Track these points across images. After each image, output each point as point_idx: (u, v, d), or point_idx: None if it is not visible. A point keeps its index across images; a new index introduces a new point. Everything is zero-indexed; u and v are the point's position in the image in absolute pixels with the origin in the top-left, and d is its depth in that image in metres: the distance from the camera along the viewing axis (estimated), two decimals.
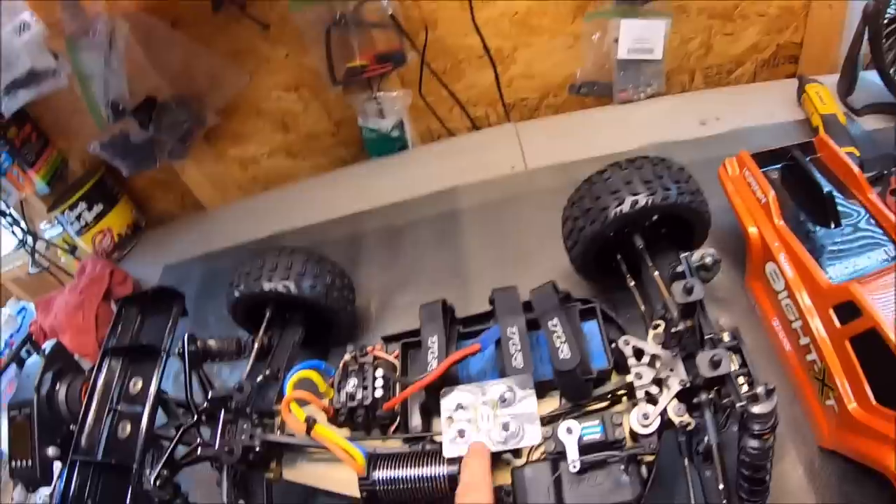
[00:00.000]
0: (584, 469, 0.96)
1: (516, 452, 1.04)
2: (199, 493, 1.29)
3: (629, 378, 1.02)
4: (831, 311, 1.09)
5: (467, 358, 1.11)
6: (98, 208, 2.55)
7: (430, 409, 1.17)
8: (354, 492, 1.15)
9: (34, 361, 1.56)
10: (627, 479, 0.95)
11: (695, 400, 0.97)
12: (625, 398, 1.05)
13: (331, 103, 2.31)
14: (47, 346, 1.60)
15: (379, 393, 1.17)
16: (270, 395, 1.35)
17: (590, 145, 1.89)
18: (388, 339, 1.32)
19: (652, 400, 0.98)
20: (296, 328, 1.52)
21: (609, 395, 1.06)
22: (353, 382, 1.19)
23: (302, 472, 1.27)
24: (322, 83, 2.22)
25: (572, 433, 0.97)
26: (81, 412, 1.38)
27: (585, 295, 1.25)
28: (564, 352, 1.05)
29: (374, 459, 1.10)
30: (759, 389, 0.86)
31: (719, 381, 0.94)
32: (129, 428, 1.31)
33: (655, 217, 1.29)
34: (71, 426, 1.49)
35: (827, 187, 1.25)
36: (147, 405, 1.30)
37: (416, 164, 2.25)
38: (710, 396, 0.96)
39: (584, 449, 0.97)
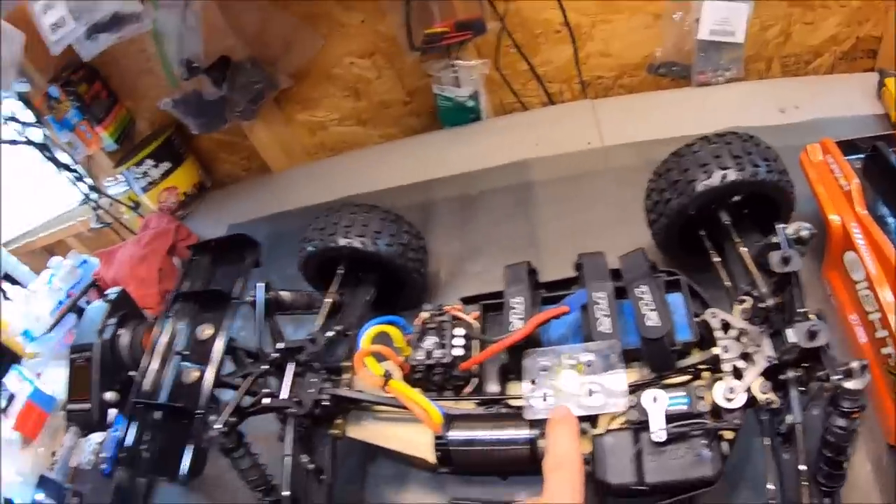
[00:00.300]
0: (668, 440, 0.94)
1: (593, 421, 1.01)
2: (257, 448, 1.27)
3: (715, 350, 0.99)
4: None
5: (551, 321, 1.08)
6: (165, 166, 2.59)
7: (509, 372, 1.16)
8: (421, 453, 1.14)
9: (98, 306, 1.58)
10: (709, 455, 0.93)
11: (781, 377, 0.95)
12: (707, 373, 1.02)
13: (404, 72, 2.30)
14: (111, 292, 1.61)
15: (458, 352, 1.16)
16: (339, 351, 1.34)
17: (668, 126, 1.86)
18: (467, 300, 1.30)
19: (738, 374, 0.96)
20: (368, 287, 1.51)
21: (692, 368, 1.03)
22: (431, 340, 1.18)
23: (367, 431, 1.25)
24: (396, 51, 2.21)
25: (658, 402, 0.96)
26: (146, 355, 1.38)
27: None
28: (653, 319, 1.03)
29: (450, 419, 1.09)
30: (854, 364, 0.84)
31: (812, 355, 0.92)
32: (196, 373, 1.31)
33: (741, 195, 1.25)
34: (131, 372, 1.50)
35: None
36: (217, 351, 1.30)
37: (489, 135, 2.23)
38: (798, 374, 0.94)
39: (668, 420, 0.95)
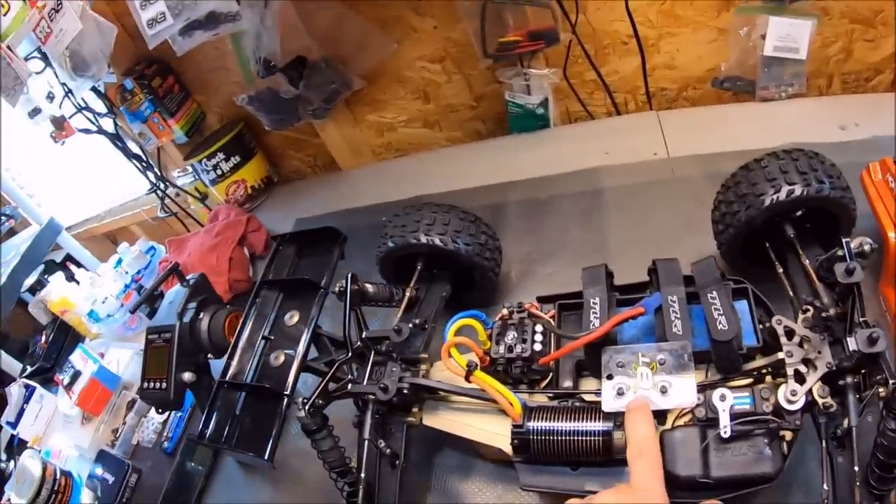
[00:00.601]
0: (732, 437, 0.99)
1: (661, 418, 1.07)
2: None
3: (780, 355, 1.03)
4: None
5: (628, 320, 1.14)
6: (235, 160, 2.67)
7: (583, 369, 1.22)
8: (495, 441, 1.21)
9: (177, 290, 1.65)
10: (770, 453, 0.98)
11: (839, 382, 1.00)
12: (769, 377, 1.07)
13: (473, 78, 2.34)
14: (191, 277, 1.69)
15: (538, 347, 1.22)
16: (416, 343, 1.41)
17: (732, 139, 1.88)
18: (543, 300, 1.36)
19: (800, 379, 1.00)
20: (444, 283, 1.57)
21: (756, 372, 1.08)
22: (512, 335, 1.24)
23: (443, 420, 1.31)
24: (465, 57, 2.27)
25: (725, 400, 1.01)
26: (234, 337, 1.44)
27: None
28: (722, 323, 1.08)
29: (529, 409, 1.15)
30: None
31: (870, 361, 0.96)
32: (282, 357, 1.37)
33: (805, 210, 1.29)
34: (209, 355, 1.57)
35: None
36: (305, 336, 1.36)
37: (558, 142, 2.26)
38: (855, 380, 0.99)
39: (733, 418, 1.00)
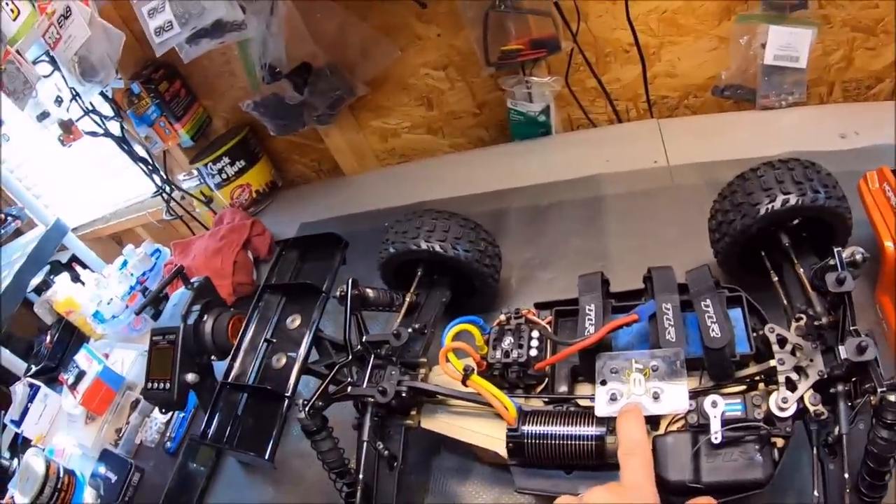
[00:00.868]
0: (723, 443, 1.00)
1: (654, 424, 1.09)
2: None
3: (772, 363, 1.05)
4: None
5: (622, 328, 1.16)
6: (240, 164, 2.70)
7: (578, 374, 1.24)
8: (491, 445, 1.22)
9: (182, 293, 1.66)
10: (761, 459, 0.99)
11: (831, 390, 1.01)
12: (761, 384, 1.09)
13: (476, 85, 2.37)
14: (196, 280, 1.70)
15: (534, 353, 1.24)
16: (416, 348, 1.43)
17: (732, 148, 1.90)
18: (540, 306, 1.38)
19: (791, 386, 1.02)
20: (443, 289, 1.59)
21: (748, 379, 1.09)
22: (508, 340, 1.27)
23: (441, 423, 1.33)
24: (468, 65, 2.29)
25: (717, 406, 1.02)
26: (237, 340, 1.47)
27: None
28: (715, 330, 1.09)
29: (524, 413, 1.17)
30: None
31: (860, 370, 0.97)
32: (283, 360, 1.39)
33: (800, 219, 1.30)
34: (212, 357, 1.59)
35: None
36: (306, 339, 1.38)
37: (559, 149, 2.28)
38: (846, 388, 1.00)
39: (725, 424, 1.01)
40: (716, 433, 1.00)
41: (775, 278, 1.30)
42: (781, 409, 1.00)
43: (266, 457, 1.29)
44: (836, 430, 0.97)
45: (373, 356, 1.36)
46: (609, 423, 1.09)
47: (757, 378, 1.09)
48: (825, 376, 1.01)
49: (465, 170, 2.41)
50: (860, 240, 1.21)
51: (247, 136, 2.72)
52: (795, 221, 1.31)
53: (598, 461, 1.10)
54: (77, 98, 2.35)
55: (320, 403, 1.29)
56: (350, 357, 1.36)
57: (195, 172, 2.77)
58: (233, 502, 1.73)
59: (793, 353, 1.05)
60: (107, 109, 2.66)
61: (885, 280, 1.35)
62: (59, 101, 2.33)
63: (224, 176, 2.68)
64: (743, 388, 1.10)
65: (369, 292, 1.49)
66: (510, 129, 2.40)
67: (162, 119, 2.63)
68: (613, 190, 1.98)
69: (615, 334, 1.22)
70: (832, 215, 1.27)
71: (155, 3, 1.68)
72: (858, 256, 1.06)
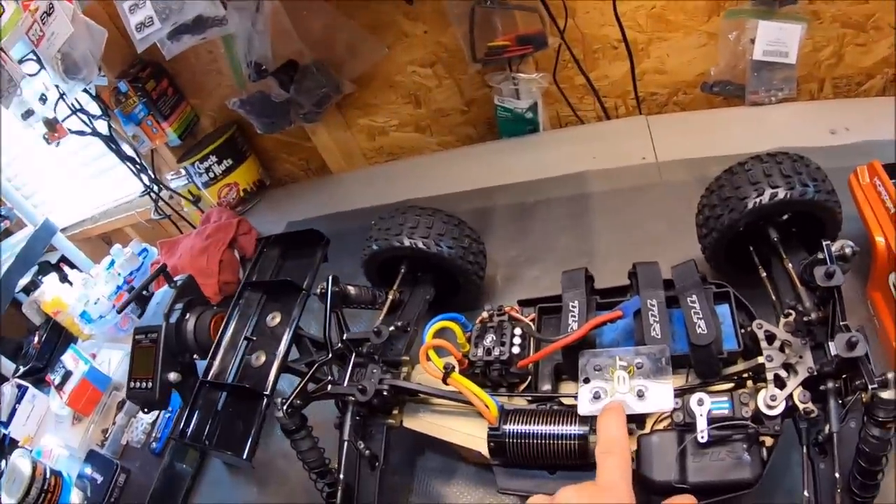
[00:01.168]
0: (710, 442, 0.98)
1: (640, 423, 1.07)
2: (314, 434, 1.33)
3: (760, 359, 1.03)
4: None
5: (606, 324, 1.14)
6: (227, 163, 2.69)
7: (561, 372, 1.22)
8: (474, 444, 1.21)
9: (165, 291, 1.65)
10: (749, 458, 0.97)
11: (821, 387, 0.99)
12: (749, 382, 1.07)
13: (464, 82, 2.35)
14: (179, 279, 1.69)
15: (516, 350, 1.22)
16: (398, 346, 1.41)
17: (721, 144, 1.89)
18: (523, 303, 1.36)
19: (780, 383, 1.00)
20: (427, 287, 1.57)
21: (736, 376, 1.08)
22: (490, 338, 1.24)
23: (423, 422, 1.31)
24: (456, 62, 2.28)
25: (703, 405, 1.00)
26: (217, 338, 1.45)
27: None
28: (701, 327, 1.08)
29: (506, 412, 1.15)
30: (890, 375, 0.87)
31: (851, 366, 0.95)
32: (263, 358, 1.37)
33: (790, 213, 1.29)
34: (194, 356, 1.57)
35: None
36: (286, 337, 1.37)
37: (546, 147, 2.27)
38: (836, 385, 0.98)
39: (711, 422, 0.99)
40: (702, 432, 0.98)
41: (764, 274, 1.29)
42: (770, 408, 0.98)
43: (244, 456, 1.27)
44: (827, 428, 0.95)
45: (354, 354, 1.34)
46: (592, 421, 1.06)
47: (745, 375, 1.07)
48: (815, 373, 0.99)
49: (453, 167, 2.40)
50: (850, 235, 1.20)
51: (234, 134, 2.71)
52: (785, 217, 1.30)
53: (582, 461, 1.08)
54: (64, 97, 2.33)
55: (299, 402, 1.26)
56: (330, 355, 1.34)
57: (183, 171, 2.75)
58: (218, 503, 1.71)
59: (781, 349, 1.03)
60: (94, 108, 2.64)
61: (875, 276, 1.33)
62: (43, 99, 2.31)
63: (211, 175, 2.67)
64: (730, 385, 1.08)
65: (350, 289, 1.47)
66: (498, 126, 2.39)
67: (149, 118, 2.61)
68: (601, 187, 1.97)
69: (599, 331, 1.21)
70: (821, 209, 1.25)
71: None
72: (848, 250, 1.05)
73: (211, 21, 1.71)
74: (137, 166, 2.84)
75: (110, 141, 2.72)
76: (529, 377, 1.24)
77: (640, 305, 1.16)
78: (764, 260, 1.31)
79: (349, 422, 1.27)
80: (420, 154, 2.64)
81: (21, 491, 1.86)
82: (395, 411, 1.33)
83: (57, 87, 2.21)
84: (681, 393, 1.05)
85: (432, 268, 1.57)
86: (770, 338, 1.05)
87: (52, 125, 2.51)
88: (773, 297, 1.23)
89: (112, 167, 3.12)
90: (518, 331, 1.25)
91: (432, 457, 1.48)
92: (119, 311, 2.18)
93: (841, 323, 1.01)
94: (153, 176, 2.88)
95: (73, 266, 3.21)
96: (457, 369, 1.18)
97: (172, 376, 1.53)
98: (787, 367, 1.01)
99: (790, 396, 0.98)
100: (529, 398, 1.21)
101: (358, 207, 2.41)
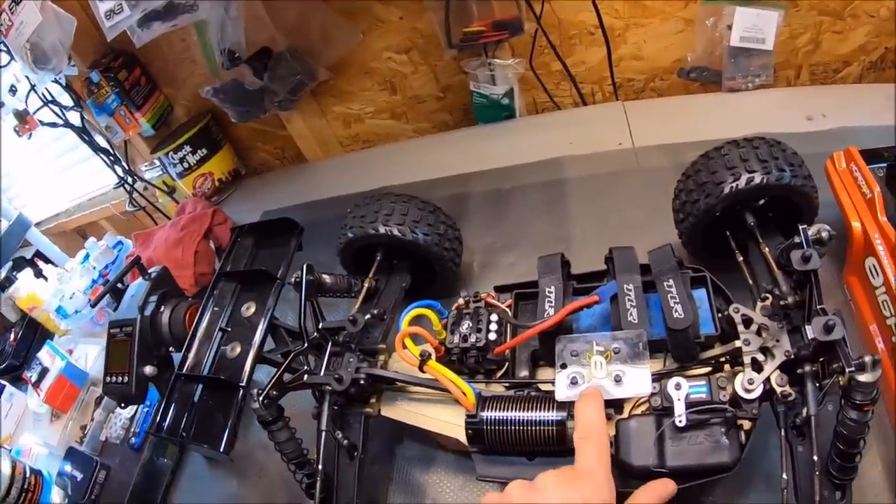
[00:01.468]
0: (688, 426, 0.98)
1: (618, 408, 1.07)
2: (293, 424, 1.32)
3: (738, 343, 1.03)
4: None
5: (583, 309, 1.13)
6: (202, 153, 2.66)
7: (539, 358, 1.22)
8: (453, 432, 1.20)
9: (139, 284, 1.63)
10: (727, 442, 0.97)
11: (798, 371, 0.99)
12: (727, 366, 1.07)
13: (439, 69, 2.34)
14: (153, 270, 1.67)
15: (492, 336, 1.21)
16: (375, 334, 1.40)
17: (697, 130, 1.89)
18: (500, 289, 1.35)
19: (757, 367, 1.00)
20: (403, 274, 1.56)
21: (713, 361, 1.08)
22: (467, 325, 1.24)
23: (400, 410, 1.31)
24: (432, 48, 2.26)
25: (680, 389, 1.00)
26: (192, 329, 1.43)
27: None
28: (678, 311, 1.07)
29: (483, 399, 1.14)
30: (867, 358, 0.87)
31: (827, 350, 0.96)
32: (238, 349, 1.36)
33: (766, 198, 1.29)
34: (170, 348, 1.56)
35: None
36: (260, 327, 1.35)
37: (523, 133, 2.27)
38: (814, 368, 0.98)
39: (689, 407, 0.99)
40: (680, 416, 0.98)
41: (740, 258, 1.28)
42: (747, 391, 0.99)
43: (221, 449, 1.26)
44: (804, 411, 0.95)
45: (330, 343, 1.33)
46: (570, 407, 1.06)
47: (722, 359, 1.07)
48: (792, 357, 0.99)
49: (429, 154, 2.39)
50: (827, 220, 1.20)
51: (208, 124, 2.68)
52: (761, 201, 1.30)
53: (560, 447, 1.08)
54: (34, 88, 2.30)
55: (275, 393, 1.25)
56: (306, 345, 1.33)
57: (157, 162, 2.72)
58: (197, 496, 1.70)
59: (758, 333, 1.03)
60: (66, 99, 2.60)
61: (852, 260, 1.33)
62: (13, 90, 2.28)
63: (186, 165, 2.64)
64: (708, 369, 1.08)
65: (326, 278, 1.46)
66: (474, 112, 2.38)
67: (122, 108, 2.57)
68: (577, 172, 1.97)
69: (576, 317, 1.20)
70: (798, 194, 1.25)
71: None
72: (824, 234, 1.05)
73: (182, 7, 1.69)
74: (111, 158, 2.80)
75: (83, 132, 2.69)
76: (506, 364, 1.23)
77: (617, 290, 1.15)
78: (741, 244, 1.30)
79: (326, 411, 1.26)
80: (396, 141, 2.63)
81: (1, 491, 1.84)
82: (373, 400, 1.32)
83: (27, 77, 2.19)
84: (658, 377, 1.05)
85: (408, 255, 1.56)
86: (747, 322, 1.05)
87: (22, 117, 2.49)
88: (750, 282, 1.22)
89: (86, 159, 3.07)
90: (494, 317, 1.24)
91: (411, 445, 1.47)
92: (93, 306, 2.15)
93: (818, 306, 1.01)
94: (127, 167, 2.85)
95: (48, 261, 3.17)
96: (433, 357, 1.18)
97: (148, 370, 1.52)
98: (765, 350, 1.01)
99: (768, 380, 0.99)
100: (507, 385, 1.20)
101: (334, 195, 2.40)
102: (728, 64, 2.00)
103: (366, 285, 1.51)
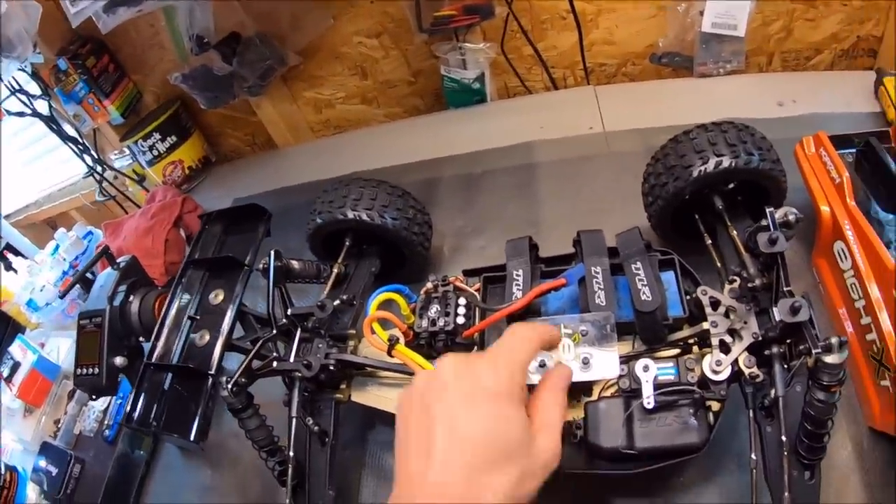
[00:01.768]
0: (656, 408, 0.99)
1: (587, 391, 1.08)
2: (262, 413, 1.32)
3: (706, 325, 1.04)
4: (895, 293, 1.10)
5: (550, 293, 1.13)
6: (171, 140, 2.63)
7: None
8: None
9: (108, 273, 1.62)
10: (696, 423, 0.98)
11: (765, 352, 1.00)
12: (695, 347, 1.08)
13: (410, 53, 2.33)
14: (122, 260, 1.65)
15: (461, 320, 1.21)
16: (345, 319, 1.39)
17: (668, 114, 1.89)
18: (468, 273, 1.35)
19: (725, 349, 1.01)
20: (372, 259, 1.56)
21: (681, 343, 1.08)
22: (435, 308, 1.23)
23: (371, 395, 1.31)
24: (403, 32, 2.25)
25: (648, 371, 1.01)
26: (160, 318, 1.42)
27: None
28: (646, 293, 1.07)
29: None
30: (833, 340, 0.88)
31: (795, 331, 0.97)
32: (207, 337, 1.35)
33: (735, 182, 1.30)
34: (140, 338, 1.55)
35: None
36: (229, 314, 1.34)
37: (494, 117, 2.27)
38: (781, 350, 0.99)
39: (657, 388, 1.00)
40: (648, 398, 0.99)
41: (709, 241, 1.29)
42: (715, 373, 1.00)
43: (191, 438, 1.25)
44: (773, 392, 0.96)
45: (299, 329, 1.33)
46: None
47: (690, 341, 1.08)
48: (759, 338, 1.00)
49: (400, 139, 2.39)
50: (796, 204, 1.21)
51: (178, 110, 2.66)
52: (730, 185, 1.30)
53: None
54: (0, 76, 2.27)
55: (244, 380, 1.24)
56: (275, 331, 1.32)
57: (126, 150, 2.69)
58: (172, 487, 1.70)
59: (726, 315, 1.04)
60: (34, 88, 2.57)
61: (820, 243, 1.35)
62: None
63: (155, 153, 2.61)
64: (676, 351, 1.09)
65: (294, 264, 1.45)
66: (445, 97, 2.37)
67: (90, 96, 2.54)
68: (548, 156, 1.97)
69: (545, 300, 1.21)
70: (766, 178, 1.26)
71: None
72: (791, 217, 1.06)
73: None
74: (80, 147, 2.77)
75: (51, 121, 2.65)
76: (475, 347, 1.22)
77: (585, 273, 1.16)
78: (709, 227, 1.31)
79: (297, 398, 1.26)
80: (367, 126, 2.63)
81: None
82: (343, 386, 1.32)
83: None
84: (626, 360, 1.06)
85: (377, 240, 1.55)
86: (715, 304, 1.06)
87: None
88: (718, 264, 1.24)
89: (54, 148, 3.04)
90: (463, 301, 1.24)
91: (383, 430, 1.48)
92: (62, 297, 2.14)
93: (785, 289, 1.02)
94: (96, 156, 2.81)
95: (18, 253, 3.14)
96: (402, 341, 1.17)
97: (119, 361, 1.51)
98: (732, 332, 1.02)
99: (735, 361, 1.00)
100: None
101: (305, 181, 2.39)
102: (700, 49, 2.01)
103: (335, 271, 1.50)
